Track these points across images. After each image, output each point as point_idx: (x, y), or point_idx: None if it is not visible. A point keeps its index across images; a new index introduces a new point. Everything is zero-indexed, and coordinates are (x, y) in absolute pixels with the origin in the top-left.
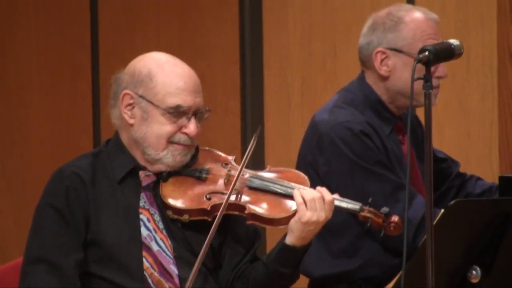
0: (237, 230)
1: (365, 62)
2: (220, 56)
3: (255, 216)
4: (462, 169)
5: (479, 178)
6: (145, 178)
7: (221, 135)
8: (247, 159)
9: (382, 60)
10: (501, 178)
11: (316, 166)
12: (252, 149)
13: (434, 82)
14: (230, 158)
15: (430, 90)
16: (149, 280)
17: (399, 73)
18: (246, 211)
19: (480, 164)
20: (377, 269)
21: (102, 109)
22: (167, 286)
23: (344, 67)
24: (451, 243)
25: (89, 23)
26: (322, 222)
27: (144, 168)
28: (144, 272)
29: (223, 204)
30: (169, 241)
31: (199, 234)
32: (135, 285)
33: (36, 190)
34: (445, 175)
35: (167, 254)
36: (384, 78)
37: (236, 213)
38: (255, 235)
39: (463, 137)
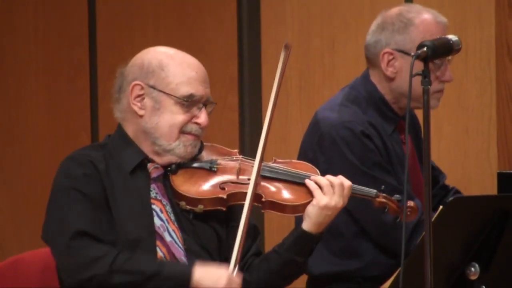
0: (238, 218)
1: (371, 60)
2: (219, 52)
3: (273, 204)
4: (460, 166)
5: (458, 191)
6: (154, 170)
7: (219, 130)
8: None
9: (389, 61)
10: (499, 175)
11: (317, 163)
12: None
13: (439, 86)
14: (235, 151)
15: (429, 86)
16: None
17: (405, 75)
18: (263, 199)
19: (479, 160)
20: (376, 268)
21: (100, 105)
22: None
23: (342, 62)
24: (450, 240)
25: (87, 19)
26: (339, 208)
27: (152, 161)
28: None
29: (250, 191)
30: (180, 233)
31: (209, 227)
32: None
33: (34, 187)
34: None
35: (178, 246)
36: (389, 79)
37: (253, 202)
38: (255, 230)
39: (462, 133)
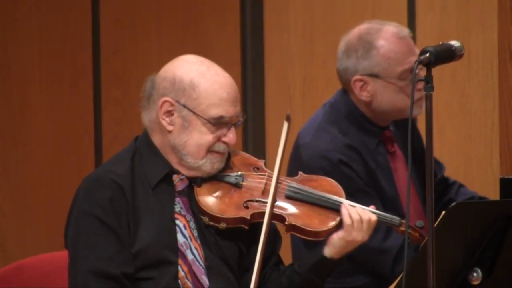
0: (260, 233)
1: (345, 85)
2: (221, 57)
3: (295, 228)
4: (462, 171)
5: (461, 185)
6: (179, 182)
7: None
8: (280, 168)
9: (361, 87)
10: (502, 180)
11: None
12: (282, 155)
13: (418, 94)
14: (260, 161)
15: (431, 92)
16: None
17: (380, 96)
18: (286, 222)
19: (481, 165)
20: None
21: (104, 110)
22: None
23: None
24: (452, 245)
25: (90, 23)
26: (362, 242)
27: (177, 172)
28: (179, 281)
29: (267, 217)
30: (202, 250)
31: (232, 242)
32: None
33: (37, 191)
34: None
35: (200, 264)
36: (367, 103)
37: (276, 222)
38: (275, 235)
39: (464, 138)
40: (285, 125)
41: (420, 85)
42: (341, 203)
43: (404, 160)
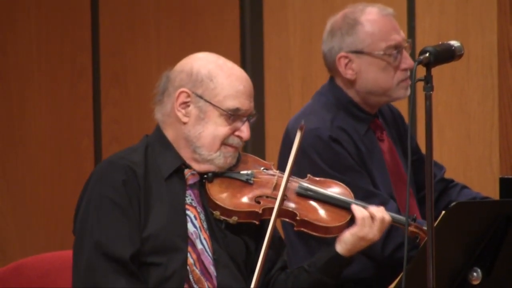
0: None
1: (331, 68)
2: None
3: (306, 223)
4: (462, 171)
5: (464, 187)
6: (190, 176)
7: None
8: (293, 163)
9: (346, 65)
10: (501, 180)
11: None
12: (296, 152)
13: (402, 75)
14: (269, 163)
15: (431, 92)
16: (190, 276)
17: (365, 74)
18: (298, 217)
19: (481, 166)
20: (371, 273)
21: (103, 111)
22: (206, 286)
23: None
24: (452, 244)
25: (89, 24)
26: (374, 241)
27: (189, 167)
28: (188, 267)
29: (275, 209)
30: (211, 242)
31: (240, 238)
32: (177, 278)
33: (37, 191)
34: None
35: (208, 254)
36: (351, 82)
37: (287, 219)
38: (281, 242)
39: (463, 139)
40: (298, 134)
41: (404, 65)
42: (352, 201)
43: (394, 148)
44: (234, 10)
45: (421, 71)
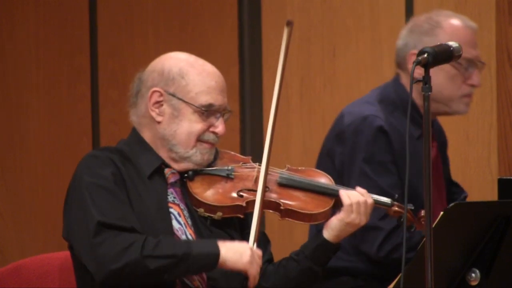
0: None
1: (400, 63)
2: (219, 58)
3: (291, 212)
4: (460, 172)
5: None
6: (171, 175)
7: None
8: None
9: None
10: (500, 181)
11: (333, 155)
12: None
13: (467, 89)
14: (248, 158)
15: (429, 93)
16: None
17: (432, 77)
18: (282, 207)
19: (479, 167)
20: (383, 269)
21: (101, 111)
22: (197, 279)
23: (343, 68)
24: (450, 245)
25: (88, 25)
26: (361, 225)
27: (169, 166)
28: None
29: (259, 200)
30: (197, 238)
31: (225, 233)
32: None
33: (35, 192)
34: (450, 199)
35: None
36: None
37: (271, 210)
38: (264, 238)
39: (462, 140)
40: (286, 30)
41: (472, 81)
42: (334, 187)
43: (439, 160)
44: (233, 11)
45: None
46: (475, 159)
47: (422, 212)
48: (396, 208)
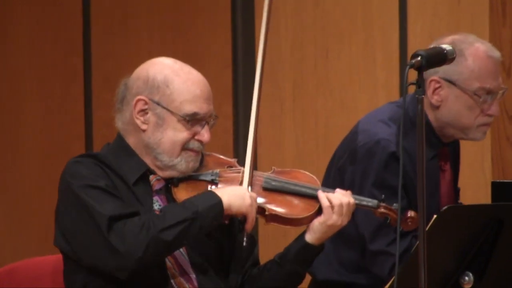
0: (238, 236)
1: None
2: (213, 60)
3: (276, 217)
4: None
5: None
6: (156, 182)
7: (213, 138)
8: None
9: (435, 89)
10: (493, 184)
11: (344, 172)
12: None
13: (485, 119)
14: (233, 160)
15: (422, 96)
16: (172, 281)
17: (450, 104)
18: (267, 212)
19: (473, 170)
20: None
21: (95, 113)
22: (188, 287)
23: (335, 71)
24: (444, 248)
25: (81, 28)
26: (342, 226)
27: (154, 173)
28: (168, 271)
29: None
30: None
31: (211, 238)
32: (160, 282)
33: (29, 194)
34: None
35: (184, 257)
36: (434, 107)
37: (257, 215)
38: (252, 240)
39: None
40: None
41: (491, 111)
42: (318, 189)
43: (452, 178)
44: (226, 13)
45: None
46: (468, 163)
47: (409, 213)
48: (382, 210)
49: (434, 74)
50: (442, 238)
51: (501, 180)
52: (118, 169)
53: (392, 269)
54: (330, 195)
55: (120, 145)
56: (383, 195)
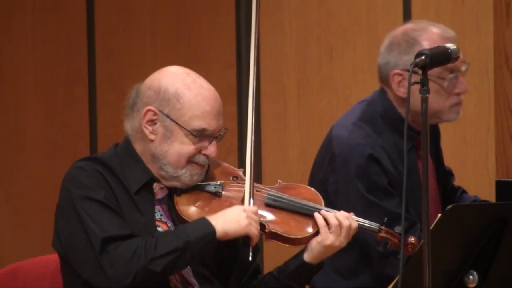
0: (238, 244)
1: (384, 81)
2: (217, 61)
3: (275, 235)
4: (458, 174)
5: (464, 191)
6: (159, 190)
7: None
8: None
9: (399, 82)
10: (498, 183)
11: (326, 183)
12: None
13: (455, 99)
14: (239, 171)
15: (427, 95)
16: None
17: (417, 93)
18: (267, 230)
19: (477, 169)
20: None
21: (99, 114)
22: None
23: (340, 71)
24: (448, 247)
25: (85, 27)
26: (341, 247)
27: (158, 180)
28: (170, 283)
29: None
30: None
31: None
32: None
33: (32, 195)
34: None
35: (187, 268)
36: (403, 99)
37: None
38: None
39: (460, 142)
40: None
41: (458, 90)
42: (319, 209)
43: (433, 167)
44: (230, 13)
45: None
46: (472, 162)
47: (409, 239)
48: (383, 234)
49: (395, 68)
50: (446, 237)
51: (505, 179)
52: (122, 175)
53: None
54: (328, 215)
55: (127, 150)
56: (385, 218)
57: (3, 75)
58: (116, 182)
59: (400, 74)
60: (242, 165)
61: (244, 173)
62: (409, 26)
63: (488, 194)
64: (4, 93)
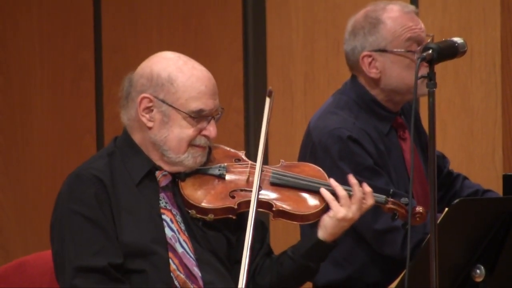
0: (247, 222)
1: (354, 67)
2: (224, 54)
3: (283, 213)
4: (465, 168)
5: (465, 178)
6: (162, 178)
7: (224, 133)
8: (262, 155)
9: (370, 63)
10: (505, 177)
11: None
12: (266, 132)
13: (425, 70)
14: (240, 153)
15: (434, 89)
16: (176, 282)
17: (389, 71)
18: (274, 208)
19: (484, 163)
20: (378, 273)
21: (105, 108)
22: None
23: (347, 65)
24: (455, 242)
25: (92, 22)
26: (356, 219)
27: (160, 168)
28: (171, 274)
29: (253, 203)
30: (191, 243)
31: (219, 233)
32: (162, 286)
33: (38, 188)
34: (438, 171)
35: (190, 256)
36: (376, 80)
37: (263, 210)
38: (263, 227)
39: (466, 135)
40: (267, 100)
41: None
42: (325, 185)
43: (415, 147)
44: (237, 7)
45: None
46: (479, 155)
47: (417, 209)
48: (391, 205)
49: (362, 50)
50: (454, 231)
51: None
52: (122, 167)
53: (403, 244)
54: (335, 186)
55: (126, 141)
56: (391, 190)
57: (10, 69)
58: (118, 176)
59: (369, 56)
60: (249, 158)
61: (245, 155)
62: (368, 8)
63: (495, 188)
64: (11, 88)
